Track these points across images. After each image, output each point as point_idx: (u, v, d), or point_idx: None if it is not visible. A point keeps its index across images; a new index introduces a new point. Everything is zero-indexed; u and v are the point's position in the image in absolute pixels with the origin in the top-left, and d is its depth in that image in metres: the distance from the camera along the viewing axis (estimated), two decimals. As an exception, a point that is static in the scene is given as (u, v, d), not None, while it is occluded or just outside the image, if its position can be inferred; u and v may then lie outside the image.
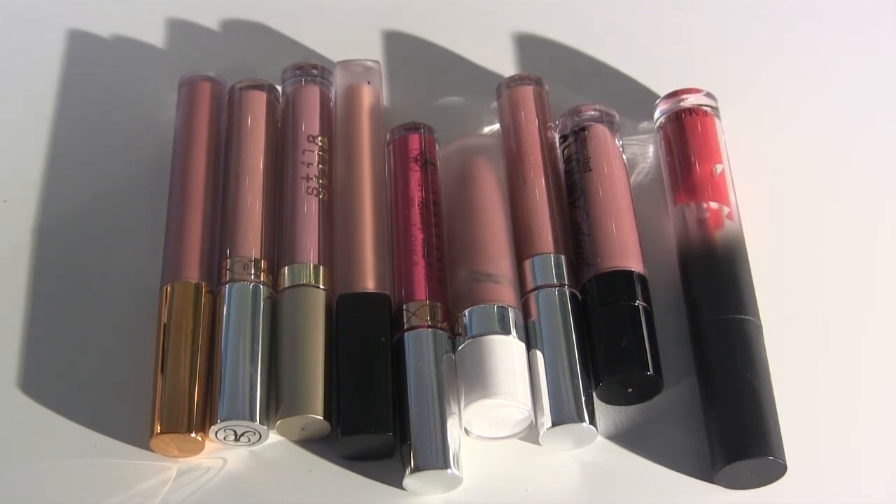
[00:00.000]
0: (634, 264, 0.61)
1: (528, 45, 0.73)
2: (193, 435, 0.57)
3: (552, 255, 0.61)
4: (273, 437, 0.59)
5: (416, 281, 0.61)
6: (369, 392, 0.58)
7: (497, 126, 0.69)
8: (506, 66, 0.72)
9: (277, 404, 0.58)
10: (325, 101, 0.67)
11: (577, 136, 0.65)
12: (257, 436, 0.58)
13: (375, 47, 0.73)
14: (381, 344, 0.59)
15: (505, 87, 0.68)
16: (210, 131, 0.66)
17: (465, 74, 0.72)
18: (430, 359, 0.58)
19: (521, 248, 0.62)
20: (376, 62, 0.69)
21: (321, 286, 0.61)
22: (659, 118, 0.67)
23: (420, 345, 0.59)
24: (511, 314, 0.59)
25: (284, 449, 0.59)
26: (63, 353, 0.62)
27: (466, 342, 0.59)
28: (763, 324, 0.60)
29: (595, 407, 0.59)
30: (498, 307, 0.59)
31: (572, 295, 0.61)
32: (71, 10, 0.75)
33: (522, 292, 0.61)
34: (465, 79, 0.72)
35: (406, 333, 0.59)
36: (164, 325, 0.59)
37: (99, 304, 0.63)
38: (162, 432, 0.57)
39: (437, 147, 0.66)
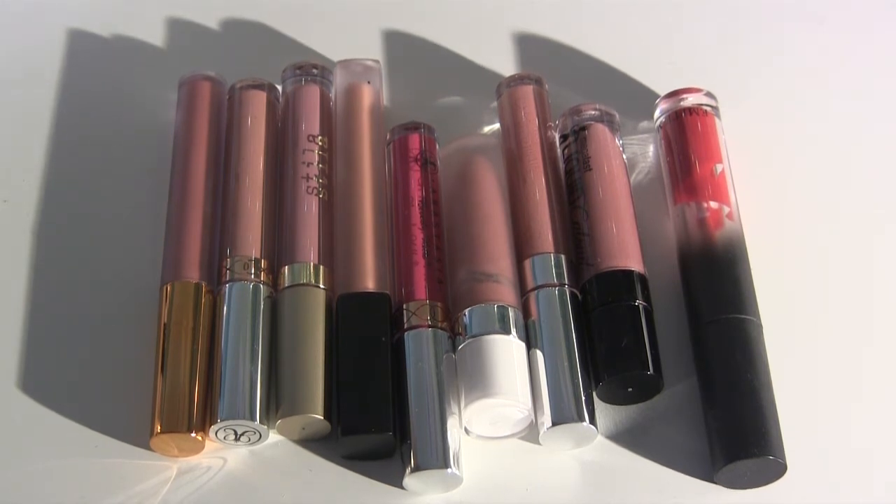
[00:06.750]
0: (634, 264, 0.61)
1: (528, 45, 0.73)
2: (193, 435, 0.57)
3: (552, 255, 0.61)
4: (273, 436, 0.59)
5: (416, 280, 0.61)
6: (369, 392, 0.58)
7: (497, 126, 0.69)
8: (506, 66, 0.72)
9: (277, 404, 0.58)
10: (325, 100, 0.67)
11: (577, 136, 0.65)
12: (257, 435, 0.58)
13: (375, 47, 0.73)
14: (381, 344, 0.59)
15: (505, 87, 0.68)
16: (210, 131, 0.66)
17: (465, 74, 0.72)
18: (430, 359, 0.58)
19: (521, 247, 0.62)
20: (376, 62, 0.69)
21: (321, 286, 0.61)
22: (659, 118, 0.67)
23: (420, 344, 0.59)
24: (511, 314, 0.59)
25: (284, 449, 0.59)
26: (63, 353, 0.62)
27: (466, 342, 0.59)
28: (763, 324, 0.60)
29: (595, 407, 0.59)
30: (498, 307, 0.59)
31: (572, 295, 0.61)
32: (71, 10, 0.75)
33: (522, 292, 0.61)
34: (465, 79, 0.72)
35: (406, 333, 0.59)
36: (164, 324, 0.59)
37: (99, 304, 0.63)
38: (162, 432, 0.57)
39: (437, 147, 0.66)
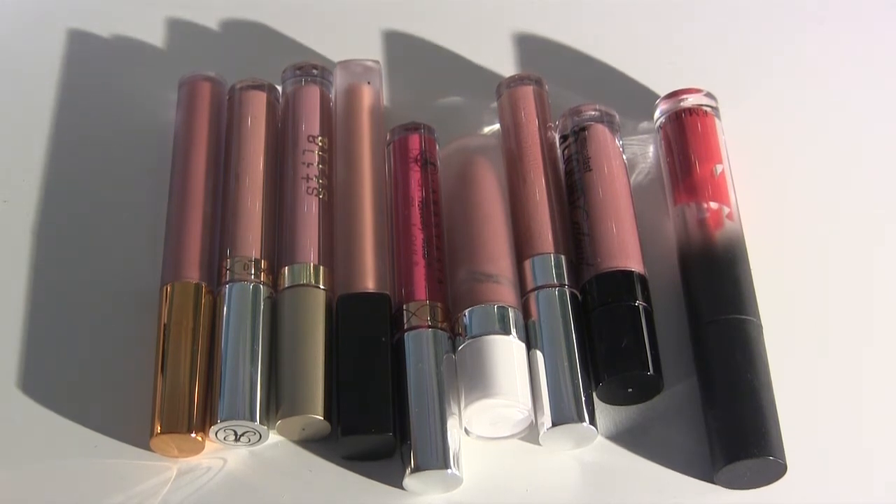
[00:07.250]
0: (634, 264, 0.61)
1: (528, 45, 0.73)
2: (193, 435, 0.57)
3: (552, 255, 0.61)
4: (273, 437, 0.59)
5: (417, 281, 0.61)
6: (369, 392, 0.58)
7: (497, 126, 0.69)
8: (506, 66, 0.72)
9: (277, 404, 0.58)
10: (325, 101, 0.67)
11: (577, 136, 0.65)
12: (257, 436, 0.58)
13: (375, 47, 0.73)
14: (381, 344, 0.59)
15: (505, 87, 0.68)
16: (210, 131, 0.66)
17: (465, 74, 0.72)
18: (430, 359, 0.58)
19: (521, 248, 0.62)
20: (376, 62, 0.69)
21: (321, 286, 0.61)
22: (659, 118, 0.67)
23: (420, 345, 0.59)
24: (511, 314, 0.59)
25: (284, 449, 0.59)
26: (63, 353, 0.62)
27: (466, 342, 0.59)
28: (763, 324, 0.60)
29: (595, 407, 0.59)
30: (498, 307, 0.59)
31: (572, 295, 0.61)
32: (71, 10, 0.75)
33: (522, 292, 0.61)
34: (465, 79, 0.72)
35: (406, 333, 0.59)
36: (164, 325, 0.59)
37: (99, 304, 0.63)
38: (162, 432, 0.57)
39: (437, 147, 0.66)
